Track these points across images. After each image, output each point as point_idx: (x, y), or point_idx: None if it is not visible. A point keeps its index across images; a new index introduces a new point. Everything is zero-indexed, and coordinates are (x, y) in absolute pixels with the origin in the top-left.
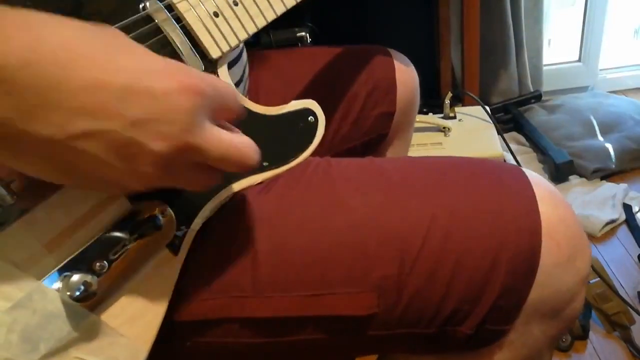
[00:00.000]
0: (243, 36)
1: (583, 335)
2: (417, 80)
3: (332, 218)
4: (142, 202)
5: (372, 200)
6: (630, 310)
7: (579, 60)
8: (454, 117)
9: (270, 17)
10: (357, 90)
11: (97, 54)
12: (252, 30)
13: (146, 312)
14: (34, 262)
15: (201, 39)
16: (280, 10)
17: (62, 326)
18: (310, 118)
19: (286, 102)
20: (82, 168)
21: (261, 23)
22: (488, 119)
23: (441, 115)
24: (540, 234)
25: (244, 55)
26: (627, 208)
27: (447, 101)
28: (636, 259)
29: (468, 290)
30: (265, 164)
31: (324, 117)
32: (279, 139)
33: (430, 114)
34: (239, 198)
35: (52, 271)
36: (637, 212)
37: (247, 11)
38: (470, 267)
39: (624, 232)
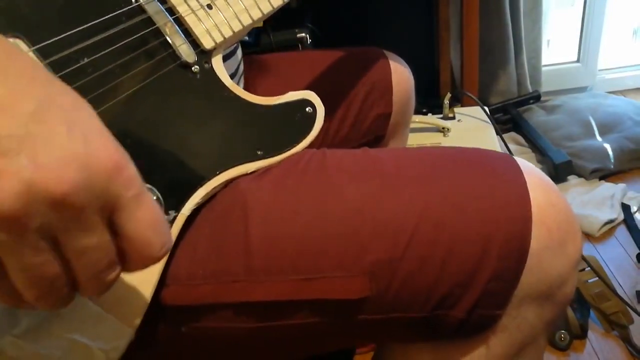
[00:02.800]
0: (237, 27)
1: (582, 335)
2: (412, 81)
3: (325, 205)
4: None
5: (366, 188)
6: (629, 309)
7: (578, 60)
8: (453, 118)
9: (266, 9)
10: (354, 92)
11: None
12: (246, 21)
13: (133, 294)
14: None
15: (194, 30)
16: (277, 3)
17: None
18: (308, 109)
19: None
20: None
21: (256, 15)
22: (487, 119)
23: (440, 115)
24: (530, 220)
25: (239, 51)
26: (625, 208)
27: (446, 101)
28: (634, 259)
29: (460, 275)
30: (259, 152)
31: (323, 108)
32: (274, 128)
33: (429, 114)
34: (233, 184)
35: None
36: (636, 212)
37: (242, 2)
38: (462, 252)
39: (622, 231)
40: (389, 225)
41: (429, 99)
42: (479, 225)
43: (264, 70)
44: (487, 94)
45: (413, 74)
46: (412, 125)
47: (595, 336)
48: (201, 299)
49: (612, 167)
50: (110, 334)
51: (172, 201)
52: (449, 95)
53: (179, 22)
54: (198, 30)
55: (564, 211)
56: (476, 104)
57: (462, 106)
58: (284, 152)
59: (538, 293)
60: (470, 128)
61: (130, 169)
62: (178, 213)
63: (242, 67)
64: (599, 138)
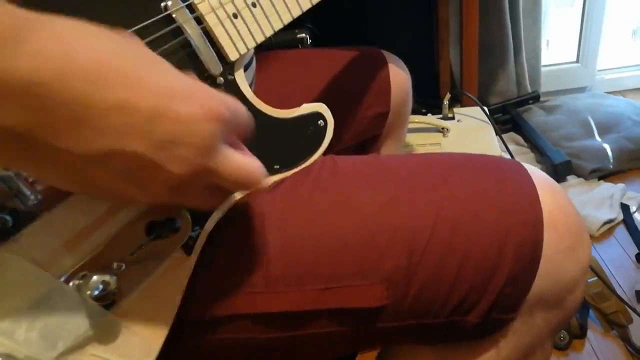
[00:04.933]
0: (260, 38)
1: (581, 334)
2: (409, 81)
3: (340, 213)
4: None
5: (380, 195)
6: (628, 309)
7: (577, 61)
8: (453, 118)
9: (287, 19)
10: (353, 92)
11: (127, 71)
12: (269, 32)
13: (158, 312)
14: (53, 260)
15: (221, 42)
16: (297, 12)
17: (80, 324)
18: (320, 122)
19: (283, 104)
20: (99, 183)
21: (278, 25)
22: (486, 119)
23: (440, 115)
24: (542, 224)
25: (254, 60)
26: (624, 208)
27: (445, 102)
28: (634, 259)
29: (475, 279)
30: (276, 166)
31: (332, 121)
32: (290, 141)
33: (429, 114)
34: (249, 197)
35: (71, 270)
36: (635, 211)
37: (264, 13)
38: (477, 257)
39: (621, 231)
40: (405, 231)
41: (428, 99)
42: (493, 229)
43: (262, 69)
44: (487, 94)
45: (413, 74)
46: (412, 125)
47: (595, 336)
48: (218, 312)
49: (611, 167)
50: (139, 353)
51: (196, 218)
52: (448, 95)
53: (206, 31)
54: (224, 41)
55: (573, 215)
56: (476, 104)
57: (461, 106)
58: (298, 165)
59: (550, 297)
60: (470, 128)
61: (214, 106)
62: (201, 229)
63: (255, 76)
64: (598, 138)
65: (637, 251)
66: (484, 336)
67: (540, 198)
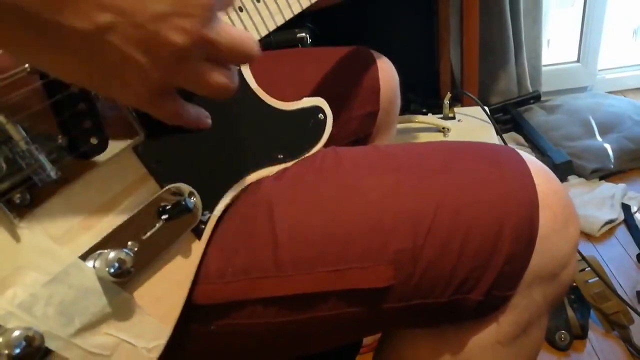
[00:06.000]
0: (264, 32)
1: (582, 335)
2: (397, 79)
3: (346, 199)
4: (170, 186)
5: (383, 180)
6: (629, 309)
7: (578, 60)
8: (453, 118)
9: (288, 15)
10: (343, 92)
11: None
12: (272, 26)
13: (170, 294)
14: (71, 237)
15: None
16: (297, 9)
17: (96, 302)
18: (320, 115)
19: None
20: (106, 62)
21: (280, 20)
22: (487, 119)
23: (440, 115)
24: (537, 205)
25: None
26: (625, 208)
27: (446, 101)
28: (635, 259)
29: (477, 259)
30: (280, 156)
31: (331, 115)
32: (293, 132)
33: (430, 114)
34: (255, 185)
35: (87, 247)
36: (636, 211)
37: (267, 8)
38: (478, 237)
39: (622, 231)
40: (409, 215)
41: (429, 99)
42: (492, 211)
43: (252, 66)
44: (487, 93)
45: (413, 74)
46: (413, 125)
47: (596, 336)
48: (232, 296)
49: (612, 167)
50: (151, 334)
51: (206, 203)
52: (449, 95)
53: None
54: None
55: (565, 196)
56: (476, 104)
57: (462, 106)
58: (300, 156)
59: (545, 274)
60: (471, 128)
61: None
62: (211, 214)
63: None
64: (599, 138)
65: (638, 251)
66: (486, 314)
67: (535, 181)
